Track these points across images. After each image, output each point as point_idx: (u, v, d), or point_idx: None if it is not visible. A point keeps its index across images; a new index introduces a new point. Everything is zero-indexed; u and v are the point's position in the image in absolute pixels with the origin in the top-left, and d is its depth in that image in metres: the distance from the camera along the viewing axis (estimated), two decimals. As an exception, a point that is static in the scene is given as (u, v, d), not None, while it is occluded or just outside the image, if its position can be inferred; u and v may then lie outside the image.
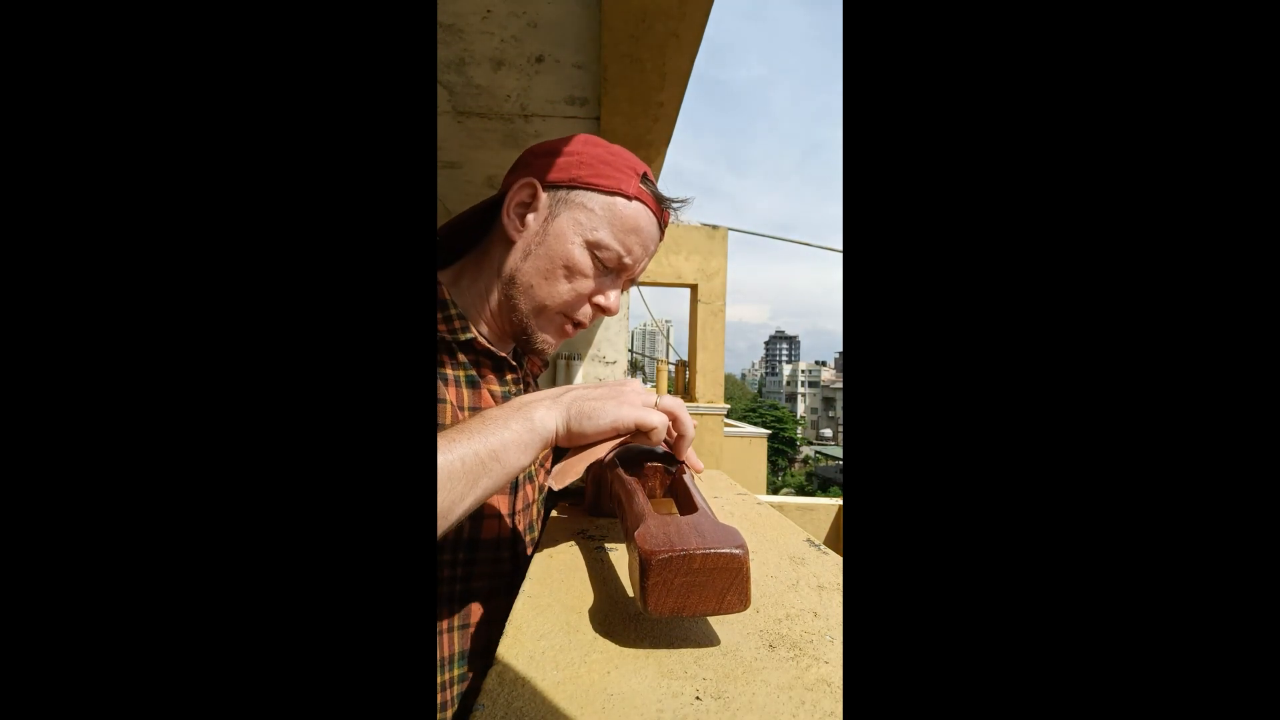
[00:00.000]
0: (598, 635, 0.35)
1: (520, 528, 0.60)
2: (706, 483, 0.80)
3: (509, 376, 0.64)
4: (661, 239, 0.65)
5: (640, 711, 0.27)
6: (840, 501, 3.49)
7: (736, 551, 0.33)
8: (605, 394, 0.47)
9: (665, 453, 0.51)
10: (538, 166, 0.61)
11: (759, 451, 6.75)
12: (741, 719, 0.27)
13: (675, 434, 0.49)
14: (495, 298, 0.62)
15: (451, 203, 2.11)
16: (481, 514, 0.56)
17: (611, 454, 0.50)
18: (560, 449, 0.49)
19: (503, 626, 0.35)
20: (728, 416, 7.05)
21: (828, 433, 55.65)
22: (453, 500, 0.39)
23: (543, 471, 0.66)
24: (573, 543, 0.52)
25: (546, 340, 0.63)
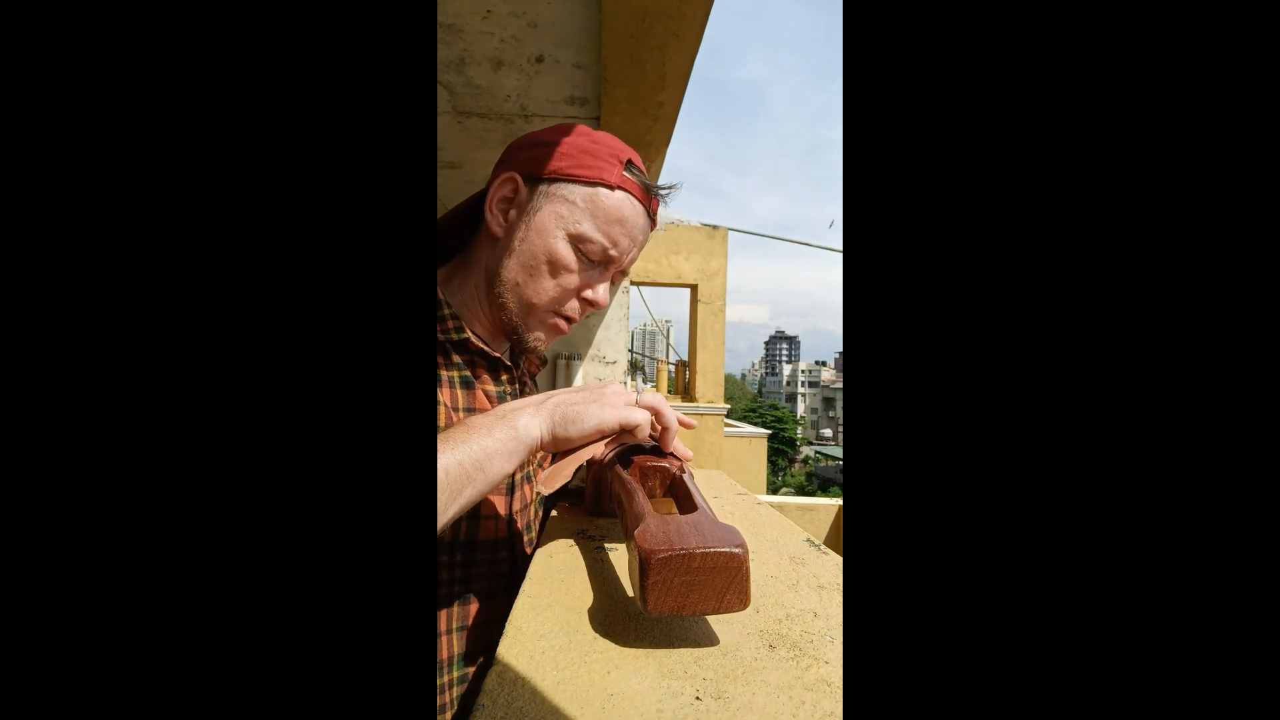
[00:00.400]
0: (598, 635, 0.35)
1: (518, 528, 0.60)
2: (706, 483, 0.80)
3: (504, 376, 0.63)
4: (654, 227, 0.64)
5: (640, 711, 0.27)
6: (840, 501, 3.49)
7: (736, 551, 0.33)
8: (587, 397, 0.47)
9: (654, 445, 0.52)
10: (519, 160, 0.60)
11: (759, 451, 6.75)
12: (741, 719, 0.27)
13: (660, 427, 0.50)
14: (485, 296, 0.62)
15: (452, 203, 2.11)
16: (479, 515, 0.56)
17: (609, 453, 0.50)
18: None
19: (502, 627, 0.35)
20: (728, 416, 7.04)
21: (828, 433, 55.65)
22: (438, 510, 0.39)
23: (540, 472, 0.66)
24: (572, 543, 0.52)
25: (538, 338, 0.62)
